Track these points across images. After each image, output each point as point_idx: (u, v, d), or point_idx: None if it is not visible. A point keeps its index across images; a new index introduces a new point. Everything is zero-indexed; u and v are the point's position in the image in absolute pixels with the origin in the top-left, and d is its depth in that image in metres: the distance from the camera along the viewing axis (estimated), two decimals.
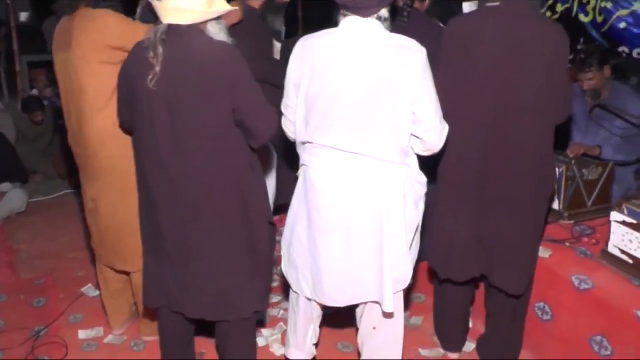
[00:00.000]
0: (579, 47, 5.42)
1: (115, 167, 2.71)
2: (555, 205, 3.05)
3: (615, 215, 2.53)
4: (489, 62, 2.28)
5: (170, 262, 2.27)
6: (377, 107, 2.05)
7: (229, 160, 2.18)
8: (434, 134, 2.13)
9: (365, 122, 2.07)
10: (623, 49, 5.12)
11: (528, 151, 2.30)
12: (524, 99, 2.26)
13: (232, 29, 3.07)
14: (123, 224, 2.76)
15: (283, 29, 3.58)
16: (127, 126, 2.40)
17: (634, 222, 2.45)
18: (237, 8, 2.32)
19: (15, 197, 4.96)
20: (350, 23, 2.10)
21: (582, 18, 5.38)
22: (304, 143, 2.23)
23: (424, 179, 2.24)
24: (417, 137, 2.14)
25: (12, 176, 5.38)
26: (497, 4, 2.32)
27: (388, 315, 2.25)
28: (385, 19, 2.11)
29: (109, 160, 2.70)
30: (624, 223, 2.49)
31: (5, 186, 5.17)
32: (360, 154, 2.09)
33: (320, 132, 2.14)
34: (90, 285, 3.62)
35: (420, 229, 2.31)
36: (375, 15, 2.08)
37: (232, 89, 2.07)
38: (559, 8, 5.55)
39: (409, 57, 2.04)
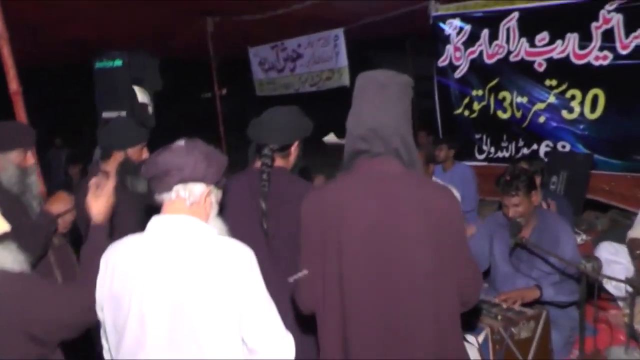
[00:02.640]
0: (502, 145, 5.22)
1: None
2: None
3: None
4: (359, 241, 1.78)
5: None
6: (190, 335, 1.60)
7: None
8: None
9: (178, 352, 1.61)
10: (547, 143, 4.90)
11: (425, 337, 1.81)
12: (409, 284, 1.75)
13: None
14: None
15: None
16: None
17: None
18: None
19: None
20: (157, 222, 1.71)
21: (501, 115, 5.18)
22: None
23: None
24: None
25: None
26: (363, 162, 1.88)
27: None
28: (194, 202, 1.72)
29: None
30: None
31: None
32: None
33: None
34: None
35: None
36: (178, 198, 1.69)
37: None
38: (476, 106, 5.36)
39: (229, 264, 1.61)
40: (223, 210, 2.42)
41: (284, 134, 2.44)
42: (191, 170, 1.70)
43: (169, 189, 1.71)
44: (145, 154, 2.99)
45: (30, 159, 2.74)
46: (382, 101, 1.81)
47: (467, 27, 5.29)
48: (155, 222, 1.72)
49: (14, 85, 3.42)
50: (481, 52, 5.21)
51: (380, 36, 7.00)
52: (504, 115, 5.16)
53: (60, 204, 2.74)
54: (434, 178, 4.18)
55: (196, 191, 1.72)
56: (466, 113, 5.44)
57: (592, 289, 2.54)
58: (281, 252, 2.34)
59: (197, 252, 1.64)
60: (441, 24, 5.47)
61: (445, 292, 1.79)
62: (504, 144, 5.19)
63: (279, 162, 2.44)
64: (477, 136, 5.39)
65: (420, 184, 1.83)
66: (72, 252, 2.93)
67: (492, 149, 5.29)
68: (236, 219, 2.38)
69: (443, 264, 1.77)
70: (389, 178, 1.79)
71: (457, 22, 5.36)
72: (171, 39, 7.00)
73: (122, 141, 2.94)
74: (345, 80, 6.21)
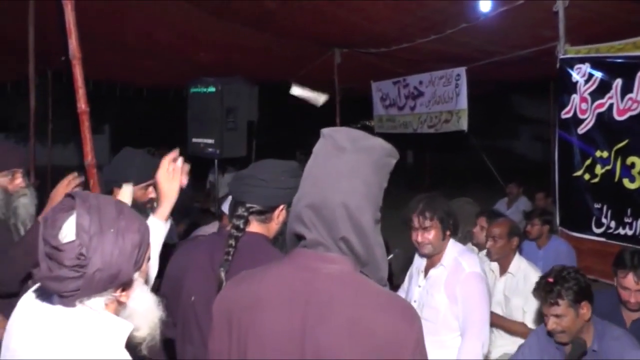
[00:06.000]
0: (625, 220, 4.23)
1: None
2: None
3: None
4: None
5: None
6: None
7: None
8: None
9: None
10: None
11: None
12: None
13: None
14: None
15: None
16: None
17: None
18: None
19: None
20: None
21: (627, 184, 4.21)
22: None
23: None
24: None
25: None
26: (298, 253, 1.38)
27: None
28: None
29: None
30: None
31: None
32: None
33: None
34: None
35: None
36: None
37: None
38: (598, 170, 4.45)
39: None
40: (172, 280, 2.15)
41: (266, 193, 2.04)
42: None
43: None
44: (151, 194, 2.74)
45: (19, 181, 2.69)
46: (333, 170, 1.34)
47: (598, 75, 4.40)
48: None
49: (82, 104, 3.62)
50: (611, 106, 4.28)
51: (514, 77, 6.24)
52: (631, 185, 4.17)
53: None
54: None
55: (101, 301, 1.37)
56: (586, 177, 4.52)
57: None
58: None
59: None
60: (569, 69, 4.64)
61: None
62: (627, 220, 4.19)
63: (255, 227, 2.06)
64: (597, 206, 4.44)
65: (364, 296, 1.31)
66: None
67: (613, 224, 4.30)
68: (189, 293, 2.07)
69: None
70: (324, 282, 1.31)
71: (586, 68, 4.48)
72: (300, 69, 7.06)
73: (121, 177, 2.71)
74: (464, 124, 5.65)
